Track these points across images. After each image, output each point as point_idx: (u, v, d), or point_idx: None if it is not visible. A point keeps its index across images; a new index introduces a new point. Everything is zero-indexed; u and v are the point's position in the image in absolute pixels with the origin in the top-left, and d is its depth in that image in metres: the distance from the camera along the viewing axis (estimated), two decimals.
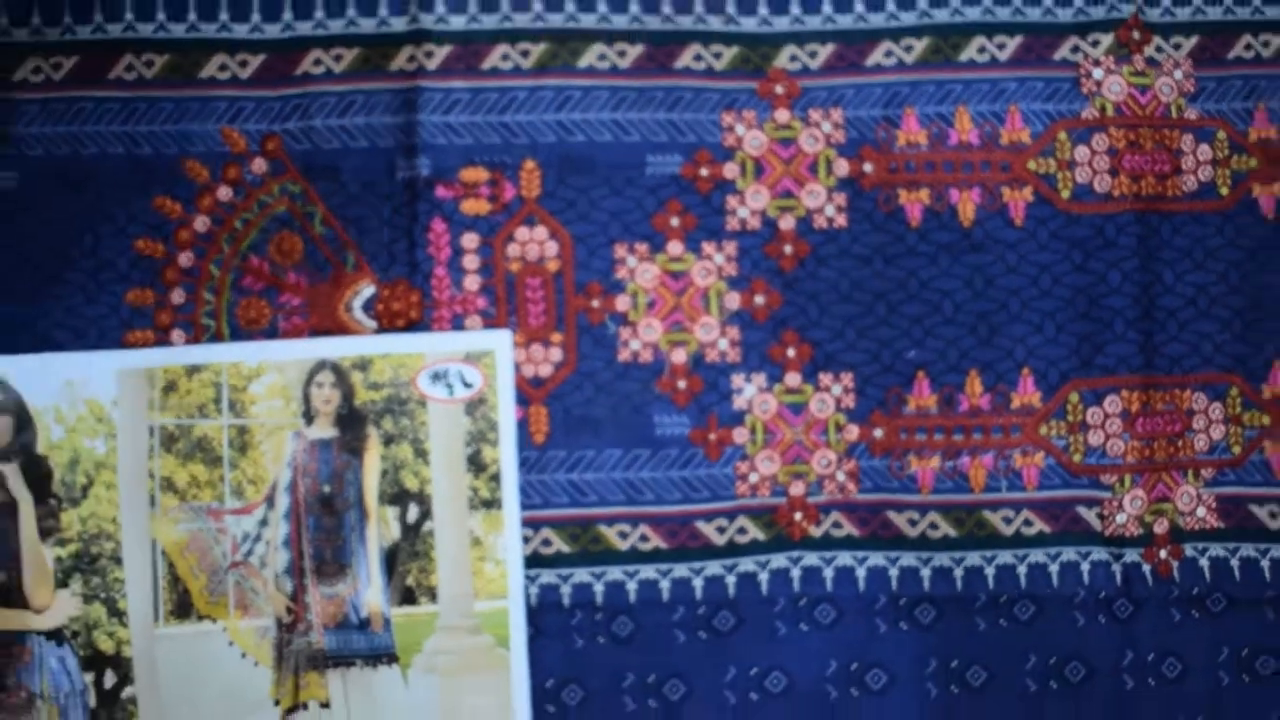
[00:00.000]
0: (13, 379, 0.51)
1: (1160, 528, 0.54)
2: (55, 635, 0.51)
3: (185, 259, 0.52)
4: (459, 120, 0.53)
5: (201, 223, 0.52)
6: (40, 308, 0.52)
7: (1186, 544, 0.54)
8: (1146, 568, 0.53)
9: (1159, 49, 0.55)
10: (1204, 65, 0.55)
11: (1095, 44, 0.55)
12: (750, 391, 0.53)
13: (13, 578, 0.51)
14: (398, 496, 0.51)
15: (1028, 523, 0.53)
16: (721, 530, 0.53)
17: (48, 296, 0.52)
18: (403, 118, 0.53)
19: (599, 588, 0.52)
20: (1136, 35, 0.55)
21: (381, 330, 0.52)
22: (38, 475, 0.52)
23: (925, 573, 0.53)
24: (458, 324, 0.53)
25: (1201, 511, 0.54)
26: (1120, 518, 0.53)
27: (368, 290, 0.53)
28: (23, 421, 0.52)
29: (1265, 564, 0.54)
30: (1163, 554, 0.53)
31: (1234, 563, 0.54)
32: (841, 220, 0.54)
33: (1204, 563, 0.54)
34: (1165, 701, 0.53)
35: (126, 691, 0.51)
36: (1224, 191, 0.54)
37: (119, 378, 0.52)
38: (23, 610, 0.51)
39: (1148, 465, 0.54)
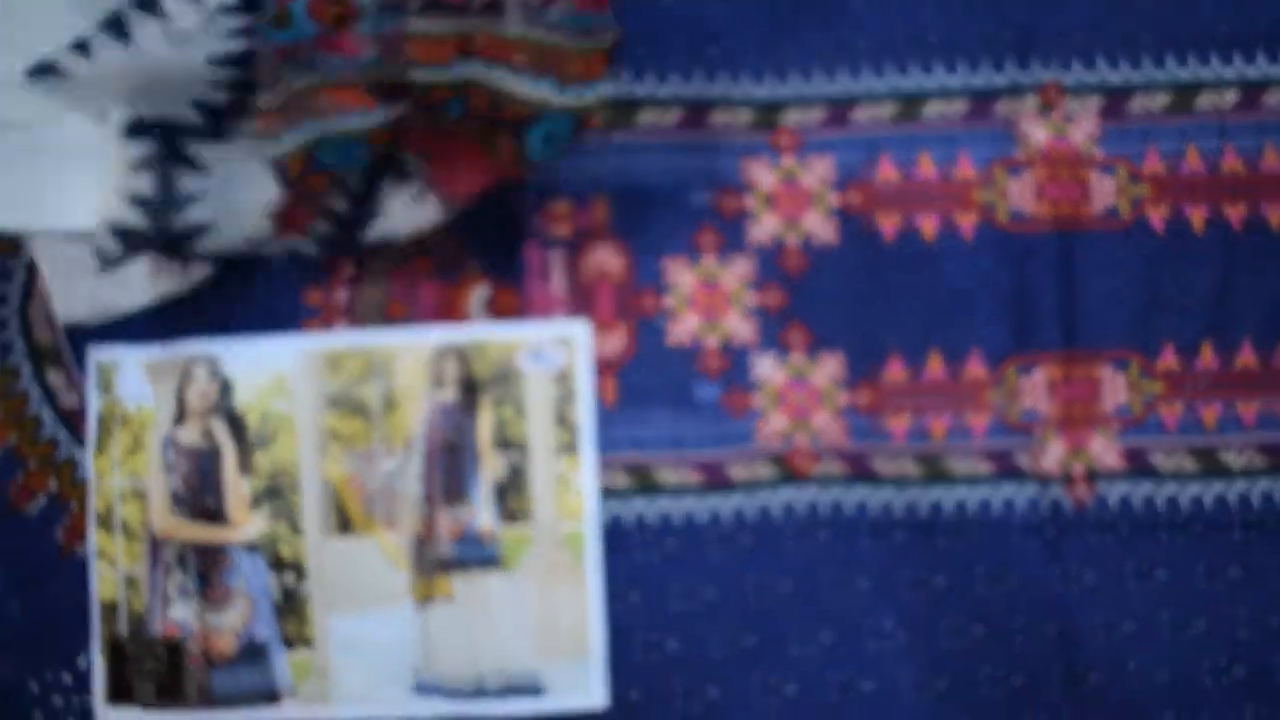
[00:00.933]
0: (223, 356, 0.68)
1: (1077, 471, 0.68)
2: (249, 546, 0.67)
3: (347, 270, 0.70)
4: (550, 168, 0.68)
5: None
6: (244, 304, 0.69)
7: (1099, 482, 0.68)
8: (1068, 501, 0.67)
9: (1072, 106, 0.71)
10: (1108, 118, 0.71)
11: (1024, 103, 0.72)
12: (765, 367, 0.69)
13: (219, 504, 0.68)
14: (504, 444, 0.69)
15: (975, 466, 0.70)
16: (744, 469, 0.69)
17: (249, 297, 0.70)
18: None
19: (651, 514, 0.68)
20: (1055, 96, 0.71)
21: (492, 320, 0.70)
22: (238, 427, 0.69)
23: (898, 504, 0.68)
24: (549, 316, 0.70)
25: (1110, 458, 0.69)
26: (1046, 462, 0.67)
27: (483, 291, 0.69)
28: (227, 387, 0.68)
29: (1159, 499, 0.69)
30: (1080, 490, 0.69)
31: (1135, 498, 0.69)
32: (834, 239, 0.70)
33: (1112, 497, 0.68)
34: (1080, 602, 0.67)
35: (303, 588, 0.68)
36: (1125, 213, 0.70)
37: (299, 355, 0.68)
38: (226, 528, 0.69)
39: (1068, 422, 0.68)
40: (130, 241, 0.60)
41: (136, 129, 0.59)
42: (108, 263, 0.61)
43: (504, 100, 0.60)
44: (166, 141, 0.59)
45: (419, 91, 0.59)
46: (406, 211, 0.66)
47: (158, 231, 0.60)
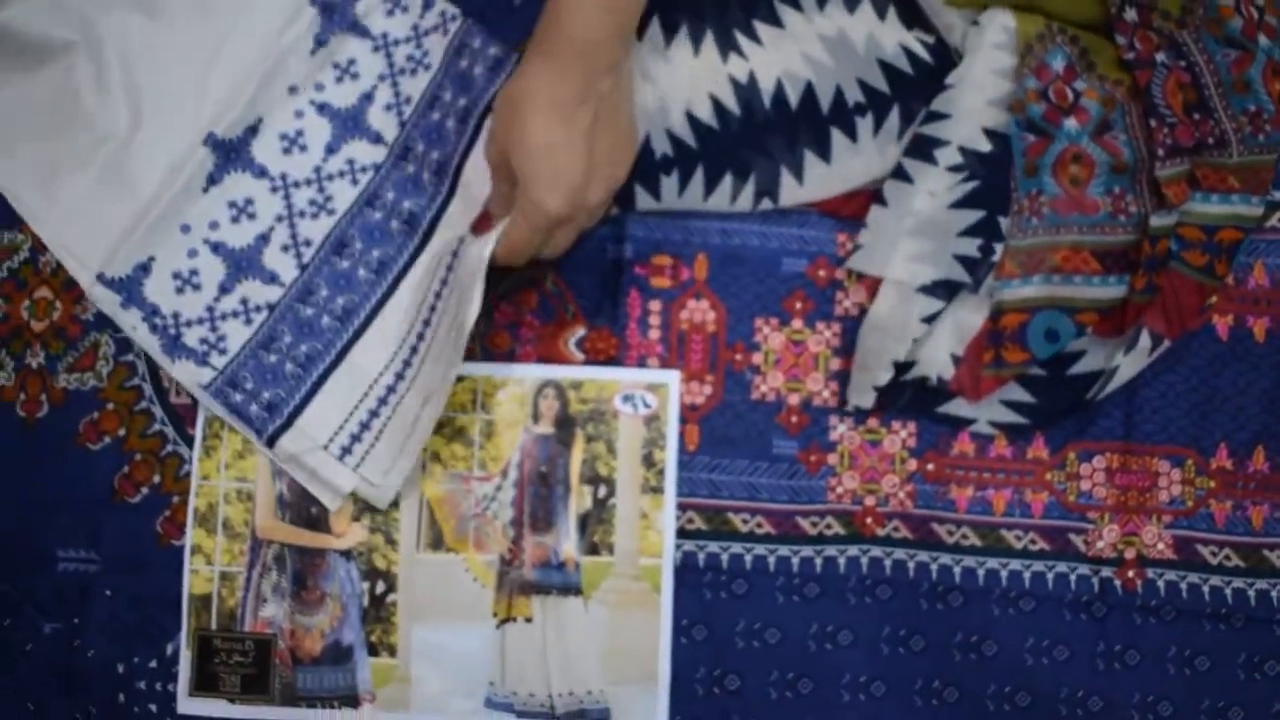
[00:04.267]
0: None
1: (1130, 554, 0.70)
2: (346, 554, 0.70)
3: None
4: (654, 220, 0.72)
5: None
6: None
7: (1148, 569, 0.70)
8: (1118, 583, 0.69)
9: None
10: None
11: None
12: (842, 429, 0.71)
13: (322, 512, 0.70)
14: (593, 479, 0.72)
15: (1032, 541, 0.70)
16: (814, 525, 0.70)
17: None
18: (616, 213, 0.72)
19: (724, 557, 0.70)
20: None
21: (588, 362, 0.71)
22: None
23: (957, 570, 0.70)
24: (642, 362, 0.71)
25: (1161, 546, 0.71)
26: (1100, 544, 0.70)
27: (580, 332, 0.72)
28: None
29: (1205, 589, 0.72)
30: (1130, 574, 0.69)
31: (1182, 586, 0.70)
32: None
33: (1160, 584, 0.70)
34: (1126, 681, 0.70)
35: (391, 598, 0.71)
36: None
37: None
38: (327, 534, 0.70)
39: (1122, 508, 0.70)
40: None
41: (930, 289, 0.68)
42: None
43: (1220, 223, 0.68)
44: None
45: (1151, 236, 0.67)
46: None
47: None
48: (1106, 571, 0.70)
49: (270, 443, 0.67)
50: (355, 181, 0.69)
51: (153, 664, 0.71)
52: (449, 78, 0.69)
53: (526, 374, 0.71)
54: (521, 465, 0.71)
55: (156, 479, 0.71)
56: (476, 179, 0.68)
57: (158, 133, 0.66)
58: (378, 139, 0.69)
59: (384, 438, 0.66)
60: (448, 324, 0.63)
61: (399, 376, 0.67)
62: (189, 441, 0.71)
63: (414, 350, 0.66)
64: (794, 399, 0.72)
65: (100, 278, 0.66)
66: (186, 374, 0.67)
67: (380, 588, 0.69)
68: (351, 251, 0.68)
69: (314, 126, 0.69)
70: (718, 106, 0.70)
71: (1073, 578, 0.70)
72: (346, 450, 0.66)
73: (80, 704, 0.71)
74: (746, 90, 0.70)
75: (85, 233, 0.66)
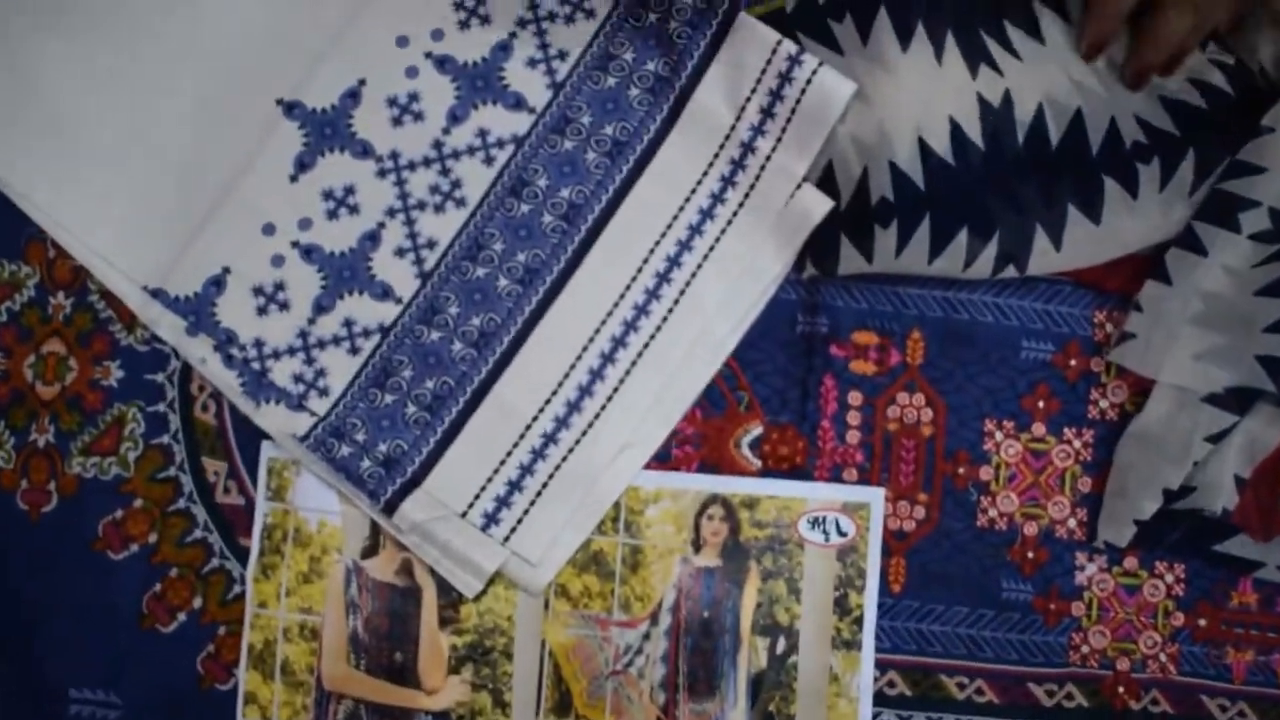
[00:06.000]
0: None
1: None
2: (441, 716, 0.55)
3: None
4: (859, 287, 0.57)
5: None
6: None
7: None
8: None
9: None
10: None
11: None
12: (1091, 570, 0.57)
13: (409, 659, 0.54)
14: (769, 629, 0.55)
15: None
16: (1051, 694, 0.56)
17: None
18: (806, 277, 0.57)
19: None
20: None
21: (765, 470, 0.56)
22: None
23: None
24: (836, 474, 0.56)
25: None
26: None
27: (756, 430, 0.57)
28: None
29: None
30: None
31: None
32: None
33: None
34: None
35: None
36: None
37: None
38: (415, 690, 0.54)
39: None
40: None
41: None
42: None
43: None
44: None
45: None
46: None
47: None
48: None
49: (389, 509, 0.53)
50: (489, 160, 0.56)
51: None
52: (629, 33, 0.56)
53: (685, 486, 0.56)
54: (677, 608, 0.55)
55: (197, 603, 0.57)
56: (680, 163, 0.55)
57: (227, 102, 0.56)
58: (518, 103, 0.56)
59: (544, 501, 0.54)
60: (688, 326, 0.55)
61: (563, 418, 0.55)
62: (240, 556, 0.57)
63: (596, 377, 0.55)
64: (1030, 529, 0.57)
65: (158, 294, 0.55)
66: (276, 421, 0.55)
67: None
68: (490, 255, 0.55)
69: (433, 88, 0.57)
70: (957, 136, 0.53)
71: None
72: (491, 518, 0.54)
73: None
74: (998, 116, 0.53)
75: (132, 235, 0.56)
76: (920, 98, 0.53)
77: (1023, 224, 0.54)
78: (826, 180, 0.55)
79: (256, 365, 0.55)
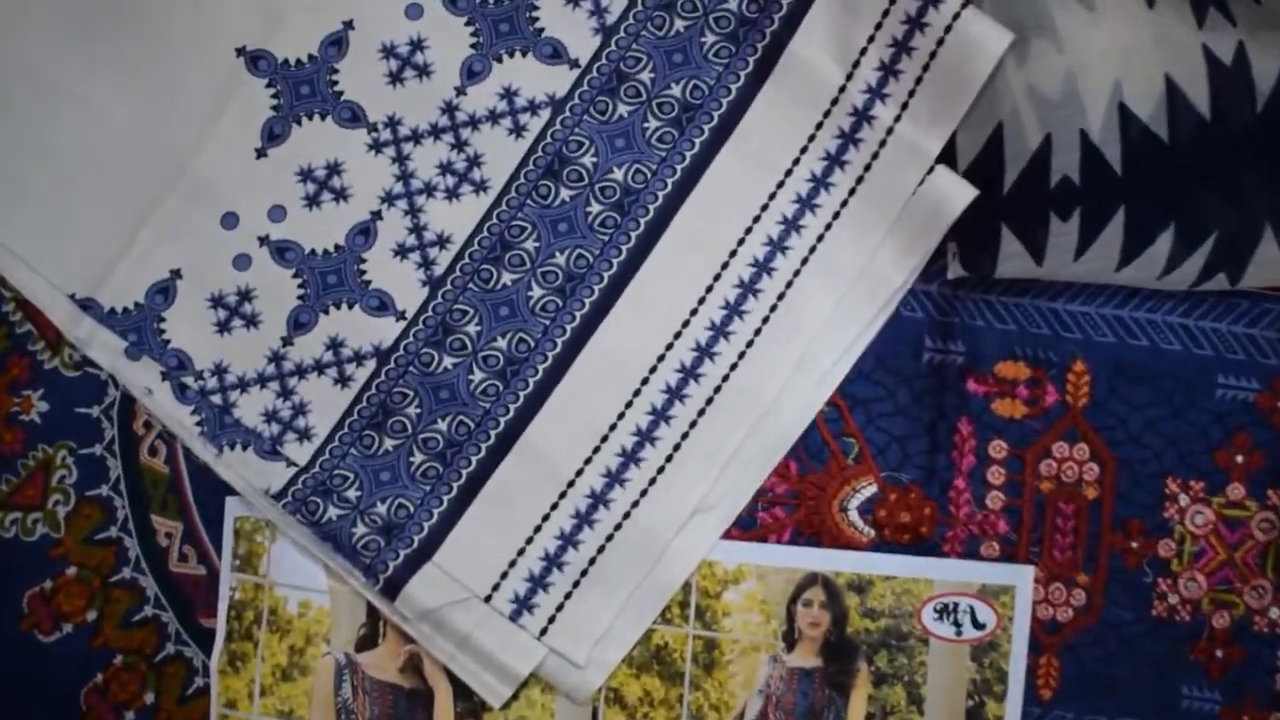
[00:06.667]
0: None
1: None
2: None
3: None
4: (1004, 299, 0.45)
5: None
6: None
7: None
8: None
9: None
10: None
11: None
12: None
13: None
14: None
15: None
16: None
17: None
18: (940, 286, 0.45)
19: None
20: None
21: (881, 541, 0.45)
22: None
23: None
24: (971, 547, 0.45)
25: None
26: None
27: (869, 489, 0.45)
28: None
29: None
30: None
31: None
32: None
33: None
34: None
35: None
36: None
37: None
38: None
39: None
40: None
41: None
42: None
43: None
44: None
45: None
46: None
47: None
48: None
49: (391, 589, 0.44)
50: (518, 130, 0.47)
51: None
52: None
53: (776, 562, 0.45)
54: (765, 717, 0.42)
55: (149, 699, 0.48)
56: (771, 135, 0.46)
57: (171, 52, 0.47)
58: (556, 54, 0.47)
59: (591, 582, 0.45)
60: (782, 352, 0.45)
61: (616, 473, 0.45)
62: (202, 640, 0.48)
63: (659, 419, 0.45)
64: (1221, 620, 0.47)
65: (89, 306, 0.46)
66: (244, 472, 0.46)
67: None
68: (520, 256, 0.46)
69: (442, 32, 0.47)
70: (1173, 101, 0.41)
71: None
72: (523, 604, 0.45)
73: None
74: (1228, 78, 0.41)
75: (55, 229, 0.47)
76: (1124, 44, 0.41)
77: (1247, 221, 0.42)
78: (991, 147, 0.43)
79: (217, 399, 0.46)
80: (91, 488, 0.48)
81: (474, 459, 0.45)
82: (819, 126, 0.46)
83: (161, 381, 0.46)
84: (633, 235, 0.46)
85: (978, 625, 0.44)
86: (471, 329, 0.46)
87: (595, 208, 0.46)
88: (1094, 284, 0.45)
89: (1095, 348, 0.46)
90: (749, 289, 0.45)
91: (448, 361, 0.45)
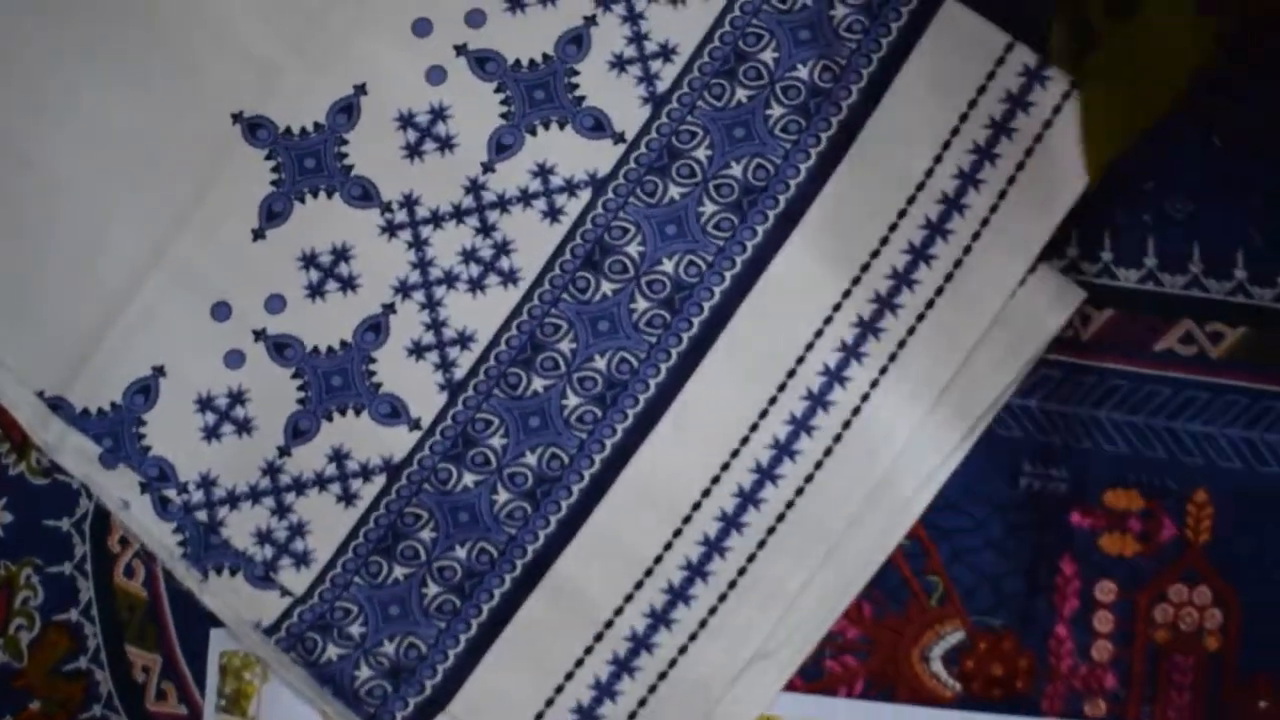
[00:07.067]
0: None
1: None
2: None
3: None
4: (1115, 418, 0.40)
5: None
6: None
7: None
8: None
9: None
10: None
11: None
12: None
13: None
14: None
15: None
16: None
17: None
18: (1040, 401, 0.40)
19: None
20: None
21: (968, 696, 0.40)
22: None
23: None
24: (1074, 705, 0.40)
25: None
26: None
27: (955, 636, 0.40)
28: None
29: None
30: None
31: None
32: None
33: None
34: None
35: None
36: None
37: None
38: None
39: None
40: None
41: None
42: None
43: None
44: None
45: None
46: None
47: None
48: None
49: None
50: (555, 215, 0.45)
51: None
52: (770, 19, 0.44)
53: (845, 718, 0.41)
54: None
55: None
56: (846, 224, 0.43)
57: (158, 116, 0.45)
58: (598, 126, 0.44)
59: None
60: (855, 476, 0.42)
61: (661, 612, 0.43)
62: None
63: (713, 550, 0.42)
64: None
65: (59, 406, 0.44)
66: (232, 601, 0.44)
67: None
68: (553, 359, 0.44)
69: (468, 99, 0.45)
70: None
71: None
72: None
73: None
74: None
75: (20, 318, 0.45)
76: None
77: None
78: None
79: (203, 515, 0.43)
80: (59, 612, 0.45)
81: (497, 593, 0.43)
82: (902, 215, 0.42)
83: (140, 494, 0.43)
84: (684, 337, 0.43)
85: None
86: (496, 442, 0.43)
87: (641, 304, 0.44)
88: (1219, 402, 0.40)
89: (1220, 474, 0.41)
90: (818, 401, 0.41)
91: (468, 479, 0.43)
